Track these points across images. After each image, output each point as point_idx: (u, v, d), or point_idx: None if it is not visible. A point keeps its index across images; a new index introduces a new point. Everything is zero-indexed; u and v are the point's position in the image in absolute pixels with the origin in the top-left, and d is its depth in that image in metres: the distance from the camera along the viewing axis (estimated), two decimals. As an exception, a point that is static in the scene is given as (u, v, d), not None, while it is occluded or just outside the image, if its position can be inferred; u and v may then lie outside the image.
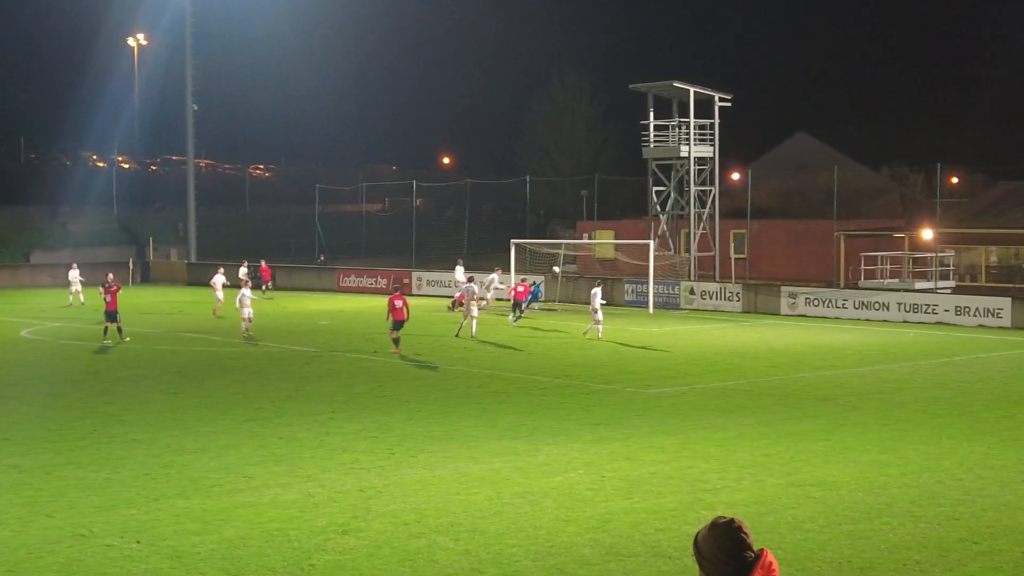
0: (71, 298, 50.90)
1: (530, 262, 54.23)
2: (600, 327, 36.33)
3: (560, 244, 58.93)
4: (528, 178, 72.40)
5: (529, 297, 45.55)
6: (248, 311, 37.34)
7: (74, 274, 51.96)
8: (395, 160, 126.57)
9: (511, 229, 74.63)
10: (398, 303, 32.87)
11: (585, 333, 37.06)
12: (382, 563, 13.02)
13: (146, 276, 72.87)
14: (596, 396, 25.28)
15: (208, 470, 17.65)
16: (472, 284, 39.35)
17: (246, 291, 38.23)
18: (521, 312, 44.11)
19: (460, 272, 51.28)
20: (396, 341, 32.76)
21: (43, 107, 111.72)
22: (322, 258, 74.78)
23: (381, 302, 52.05)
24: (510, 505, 15.51)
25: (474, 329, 37.06)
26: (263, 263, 58.71)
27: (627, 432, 20.75)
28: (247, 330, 37.40)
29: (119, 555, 13.32)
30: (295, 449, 19.27)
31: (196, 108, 74.51)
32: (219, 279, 47.55)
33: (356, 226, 79.76)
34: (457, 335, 37.03)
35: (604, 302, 38.29)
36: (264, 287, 56.33)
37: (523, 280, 47.32)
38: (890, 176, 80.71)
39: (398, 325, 32.83)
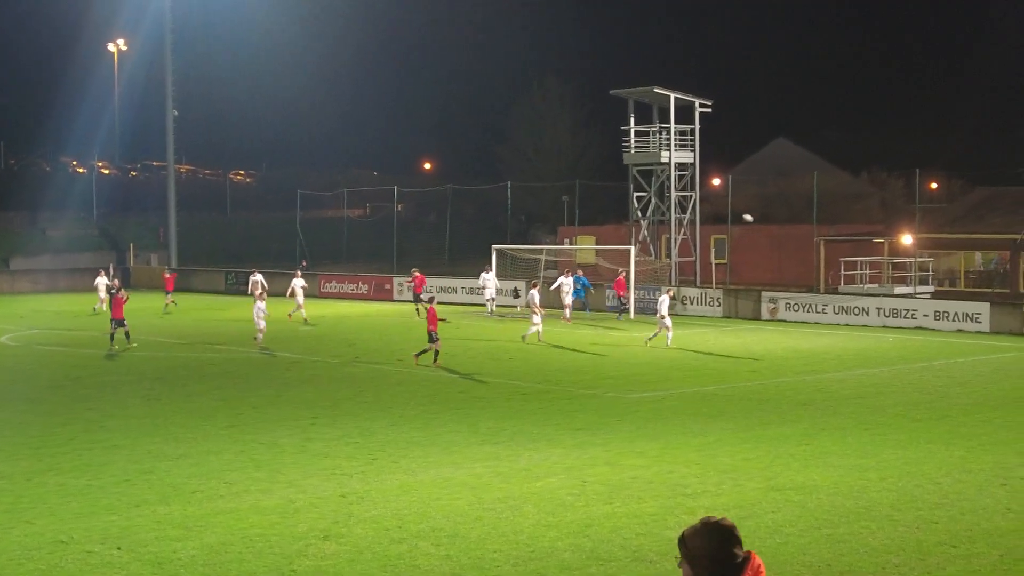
0: (99, 305, 50.36)
1: (511, 267, 54.19)
2: (670, 333, 35.04)
3: (542, 249, 58.96)
4: (509, 183, 72.39)
5: (579, 290, 46.08)
6: (261, 323, 36.44)
7: (101, 281, 51.66)
8: (376, 166, 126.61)
9: (492, 234, 74.56)
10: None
11: (649, 341, 35.58)
12: (363, 569, 13.04)
13: (126, 282, 72.52)
14: (577, 401, 25.32)
15: (189, 476, 17.64)
16: (535, 291, 38.61)
17: (261, 304, 37.56)
18: (624, 304, 45.22)
19: (492, 278, 49.42)
20: (424, 352, 31.77)
21: (23, 112, 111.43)
22: (304, 264, 74.57)
23: (363, 308, 52.07)
24: (491, 510, 15.54)
25: (540, 334, 36.66)
26: (165, 271, 55.66)
27: (608, 437, 20.80)
28: (259, 340, 36.63)
29: (99, 562, 13.31)
30: (276, 455, 19.26)
31: (176, 113, 74.28)
32: (298, 282, 46.65)
33: (338, 232, 79.64)
34: (524, 338, 36.88)
35: (682, 310, 36.94)
36: (168, 298, 52.43)
37: (621, 272, 47.64)
38: (870, 181, 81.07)
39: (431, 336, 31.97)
